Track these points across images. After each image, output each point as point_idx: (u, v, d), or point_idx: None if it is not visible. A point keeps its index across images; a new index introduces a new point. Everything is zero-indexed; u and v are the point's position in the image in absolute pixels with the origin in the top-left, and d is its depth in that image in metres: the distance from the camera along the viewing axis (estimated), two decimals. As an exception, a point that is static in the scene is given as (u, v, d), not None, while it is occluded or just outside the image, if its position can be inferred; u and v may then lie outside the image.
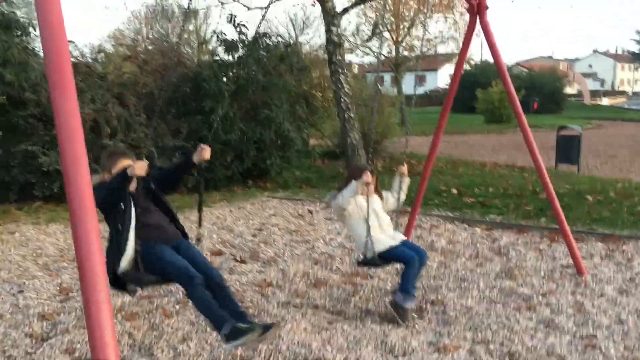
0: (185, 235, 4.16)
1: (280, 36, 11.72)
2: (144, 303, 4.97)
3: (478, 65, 44.21)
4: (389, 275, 5.67)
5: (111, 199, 3.72)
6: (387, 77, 38.83)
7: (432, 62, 47.60)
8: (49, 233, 7.42)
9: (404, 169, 4.97)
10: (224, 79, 10.38)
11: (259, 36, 11.36)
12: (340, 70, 11.90)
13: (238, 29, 11.04)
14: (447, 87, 46.02)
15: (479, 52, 69.84)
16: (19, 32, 10.03)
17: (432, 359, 3.86)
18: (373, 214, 4.67)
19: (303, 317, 4.61)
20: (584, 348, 3.99)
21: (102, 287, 1.73)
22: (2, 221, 7.90)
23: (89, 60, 10.97)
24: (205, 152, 4.06)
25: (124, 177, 3.64)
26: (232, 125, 10.55)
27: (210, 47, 11.84)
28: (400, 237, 4.79)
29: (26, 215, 8.42)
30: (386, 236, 4.69)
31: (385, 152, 14.39)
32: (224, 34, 11.19)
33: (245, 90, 10.67)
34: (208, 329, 4.37)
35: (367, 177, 4.53)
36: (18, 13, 10.39)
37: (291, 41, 13.06)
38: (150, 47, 11.93)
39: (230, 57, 11.33)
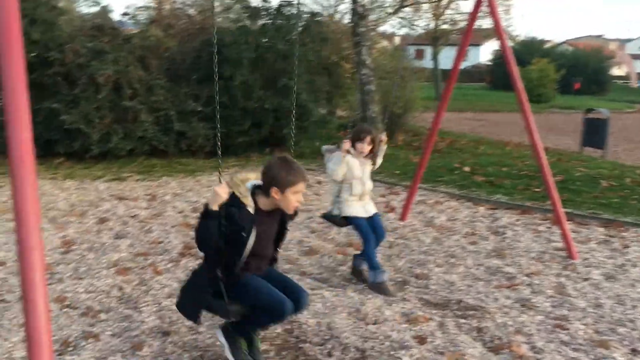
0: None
1: (304, 4, 11.66)
2: (139, 260, 5.20)
3: (522, 42, 43.14)
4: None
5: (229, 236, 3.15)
6: (429, 51, 38.20)
7: (475, 36, 46.46)
8: (64, 188, 7.73)
9: (383, 136, 5.08)
10: (244, 46, 10.45)
11: (283, 4, 11.38)
12: (362, 42, 11.86)
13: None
14: (489, 63, 45.23)
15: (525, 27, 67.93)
16: (47, -8, 10.28)
17: (401, 329, 3.97)
18: (359, 182, 4.83)
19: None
20: (552, 328, 4.04)
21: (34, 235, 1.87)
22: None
23: (115, 21, 11.17)
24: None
25: (208, 212, 3.10)
26: (251, 93, 10.66)
27: (233, 14, 11.85)
28: (372, 210, 4.91)
29: (46, 171, 8.76)
30: (361, 206, 4.84)
31: (407, 126, 14.35)
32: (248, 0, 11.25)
33: (265, 59, 10.73)
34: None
35: (345, 144, 4.69)
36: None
37: (314, 11, 12.94)
38: (175, 11, 12.03)
39: (253, 25, 11.40)
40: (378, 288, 4.66)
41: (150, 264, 5.09)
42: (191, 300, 3.34)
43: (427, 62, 38.05)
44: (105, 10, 11.12)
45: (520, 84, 5.55)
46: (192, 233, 5.75)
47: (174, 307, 4.19)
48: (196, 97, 10.63)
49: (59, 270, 4.89)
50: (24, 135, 1.91)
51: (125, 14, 11.51)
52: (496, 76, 40.13)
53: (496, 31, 5.67)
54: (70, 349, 3.58)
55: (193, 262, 5.14)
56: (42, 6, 9.83)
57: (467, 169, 9.77)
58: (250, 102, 10.62)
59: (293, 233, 6.16)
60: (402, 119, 13.90)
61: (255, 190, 3.28)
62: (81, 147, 9.42)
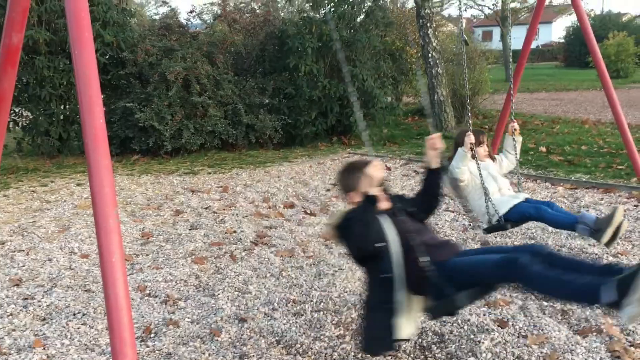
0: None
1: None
2: (214, 249, 5.30)
3: (597, 16, 41.07)
4: (454, 232, 5.61)
5: (368, 233, 2.85)
6: (497, 32, 37.04)
7: (546, 14, 44.61)
8: (140, 183, 8.00)
9: (516, 125, 4.63)
10: (308, 36, 10.44)
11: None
12: (428, 25, 11.60)
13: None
14: (561, 40, 43.29)
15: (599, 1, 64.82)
16: (118, -6, 10.65)
17: (480, 313, 3.83)
18: (490, 178, 4.40)
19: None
20: (645, 310, 3.78)
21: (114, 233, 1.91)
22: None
23: (182, 21, 11.43)
24: (434, 141, 3.32)
25: (370, 199, 2.91)
26: (316, 82, 10.66)
27: (296, 5, 11.89)
28: (522, 196, 4.41)
29: (123, 167, 9.10)
30: (508, 197, 4.38)
31: (477, 109, 13.95)
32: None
33: (329, 47, 10.69)
34: (268, 275, 4.62)
35: (470, 138, 4.24)
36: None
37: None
38: (239, 6, 12.18)
39: (317, 14, 11.37)
40: (603, 225, 3.88)
41: (225, 253, 5.17)
42: (376, 340, 2.99)
43: (495, 44, 36.88)
44: (173, 11, 11.40)
45: (600, 58, 5.24)
46: (264, 222, 5.80)
47: (249, 294, 4.27)
48: (262, 89, 10.74)
49: (139, 261, 5.05)
50: (97, 122, 1.93)
51: (191, 12, 11.76)
52: (569, 54, 38.41)
53: (573, 5, 5.36)
54: (152, 335, 3.68)
55: (266, 250, 5.18)
56: (113, 9, 10.19)
57: (543, 149, 9.38)
58: (316, 91, 10.62)
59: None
60: (471, 102, 13.51)
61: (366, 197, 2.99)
62: (155, 143, 9.72)
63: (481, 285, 2.87)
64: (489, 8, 28.50)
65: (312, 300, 4.11)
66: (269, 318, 3.88)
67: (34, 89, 9.62)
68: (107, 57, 10.11)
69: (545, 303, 3.95)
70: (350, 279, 4.45)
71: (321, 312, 3.93)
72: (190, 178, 8.38)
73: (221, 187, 7.77)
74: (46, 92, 9.59)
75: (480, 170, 4.23)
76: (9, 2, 2.29)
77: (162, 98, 9.71)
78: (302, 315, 3.90)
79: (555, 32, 53.02)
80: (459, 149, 4.35)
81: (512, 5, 29.32)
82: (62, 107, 10.14)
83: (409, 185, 7.61)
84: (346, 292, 4.23)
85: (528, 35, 5.74)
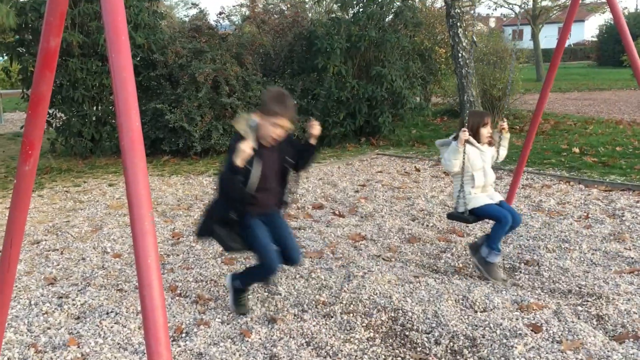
0: (284, 205, 4.00)
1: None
2: (243, 249, 5.31)
3: (631, 15, 40.18)
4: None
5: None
6: (527, 31, 36.52)
7: (578, 12, 43.71)
8: (170, 184, 8.09)
9: (504, 124, 4.78)
10: (336, 36, 10.43)
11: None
12: (458, 24, 11.48)
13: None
14: (594, 39, 42.43)
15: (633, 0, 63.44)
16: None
17: (512, 317, 3.77)
18: (481, 172, 4.53)
19: (390, 270, 4.68)
20: (685, 317, 3.68)
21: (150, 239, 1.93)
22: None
23: (212, 22, 11.53)
24: (314, 127, 3.79)
25: (233, 169, 3.45)
26: (345, 83, 10.64)
27: (325, 5, 11.91)
28: (498, 198, 4.63)
29: (154, 168, 9.21)
30: (486, 195, 4.55)
31: (508, 109, 13.75)
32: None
33: (358, 47, 10.66)
34: (297, 276, 4.62)
35: (464, 134, 4.36)
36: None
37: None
38: (268, 7, 12.24)
39: (345, 15, 11.36)
40: (486, 266, 4.44)
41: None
42: (203, 221, 3.83)
43: (526, 43, 36.36)
44: (202, 12, 11.51)
45: (636, 57, 5.09)
46: (293, 223, 5.81)
47: (279, 295, 4.28)
48: (291, 90, 10.74)
49: (170, 260, 5.10)
50: (134, 125, 1.95)
51: (220, 14, 11.84)
52: (603, 53, 37.68)
53: (608, 3, 5.22)
54: (184, 335, 3.71)
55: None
56: (144, 11, 10.32)
57: (576, 150, 9.21)
58: (344, 92, 10.60)
59: (393, 221, 6.08)
60: (502, 102, 13.33)
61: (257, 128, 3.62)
62: (185, 144, 9.82)
63: (247, 247, 3.82)
64: (519, 6, 28.16)
65: (341, 302, 4.09)
66: (299, 319, 3.88)
67: (67, 91, 9.81)
68: (139, 58, 10.24)
69: (580, 308, 3.87)
70: (380, 282, 4.42)
71: (351, 314, 3.91)
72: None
73: (250, 187, 7.80)
74: (79, 94, 9.76)
75: (464, 161, 4.42)
76: (47, 6, 2.33)
77: (191, 99, 9.80)
78: (332, 317, 3.89)
79: (587, 30, 52.08)
80: (453, 143, 4.47)
81: (544, 3, 28.84)
82: (94, 108, 10.31)
83: (438, 186, 7.54)
84: (376, 294, 4.20)
85: (562, 35, 5.61)
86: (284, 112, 3.54)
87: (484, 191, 4.60)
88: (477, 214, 4.55)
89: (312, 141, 3.86)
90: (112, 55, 1.98)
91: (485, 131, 4.57)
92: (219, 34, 11.07)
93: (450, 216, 4.70)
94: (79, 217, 6.49)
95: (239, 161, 3.41)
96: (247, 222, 3.72)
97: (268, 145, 3.66)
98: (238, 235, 3.75)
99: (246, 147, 3.40)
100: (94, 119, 10.25)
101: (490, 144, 4.68)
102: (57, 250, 5.39)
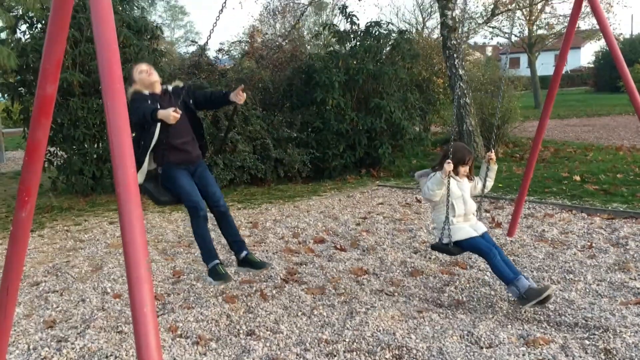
0: (204, 154, 4.68)
1: (392, 24, 11.62)
2: (244, 287, 5.27)
3: (626, 40, 40.60)
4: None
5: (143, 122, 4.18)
6: (524, 59, 36.84)
7: (574, 39, 44.15)
8: (171, 221, 8.06)
9: (492, 154, 4.85)
10: (335, 70, 10.53)
11: (371, 25, 11.39)
12: (455, 55, 11.60)
13: (349, 20, 11.16)
14: (591, 65, 42.80)
15: (628, 25, 64.24)
16: (149, 36, 10.92)
17: (519, 353, 3.71)
18: (461, 200, 4.60)
19: (393, 305, 4.62)
20: (694, 349, 3.62)
21: (142, 265, 1.90)
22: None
23: (211, 58, 11.66)
24: (240, 96, 4.41)
25: (154, 119, 4.08)
26: (344, 115, 10.70)
27: (322, 40, 12.06)
28: (481, 229, 4.65)
29: (154, 205, 9.17)
30: (469, 226, 4.59)
31: (507, 138, 13.81)
32: (336, 25, 11.36)
33: (356, 80, 10.75)
34: (299, 313, 4.56)
35: (449, 165, 4.43)
36: (148, 18, 11.30)
37: (404, 28, 12.84)
38: (266, 42, 12.39)
39: (342, 48, 11.49)
40: (530, 294, 4.23)
41: (256, 291, 5.14)
42: None
43: (522, 70, 36.66)
44: (201, 48, 11.65)
45: (631, 83, 5.14)
46: (294, 258, 5.77)
47: (281, 334, 4.21)
48: (290, 124, 10.81)
49: (170, 300, 5.04)
50: (130, 172, 1.94)
51: (219, 50, 11.99)
52: (600, 79, 37.99)
53: (602, 30, 5.28)
54: (184, 378, 3.64)
55: (297, 288, 5.13)
56: (144, 49, 10.44)
57: (577, 177, 9.20)
58: (344, 124, 10.65)
59: (396, 254, 6.03)
60: (502, 131, 13.39)
61: None
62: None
63: (176, 199, 4.40)
64: (515, 35, 28.39)
65: (344, 340, 4.03)
66: (301, 359, 3.82)
67: (68, 129, 9.85)
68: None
69: (587, 342, 3.81)
70: (383, 318, 4.36)
71: (354, 352, 3.85)
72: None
73: (251, 222, 7.78)
74: (80, 132, 9.81)
75: (449, 194, 4.46)
76: (43, 54, 2.35)
77: (192, 135, 9.82)
78: (335, 355, 3.83)
79: (583, 57, 52.59)
80: (437, 174, 4.52)
81: (539, 32, 29.19)
82: (95, 146, 10.35)
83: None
84: (379, 331, 4.14)
85: (559, 62, 5.68)
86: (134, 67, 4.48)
87: (466, 220, 4.63)
88: (462, 247, 4.57)
89: (232, 98, 4.43)
90: (107, 103, 1.99)
91: (463, 170, 4.65)
92: (218, 70, 11.19)
93: (434, 247, 4.72)
94: (79, 257, 6.45)
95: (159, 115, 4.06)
96: (171, 172, 4.26)
97: (156, 92, 4.38)
98: (165, 189, 4.31)
99: (175, 116, 4.09)
100: (94, 156, 10.28)
101: (468, 178, 4.74)
102: (57, 291, 5.34)
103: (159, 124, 4.17)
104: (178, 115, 4.05)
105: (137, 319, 1.95)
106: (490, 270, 4.72)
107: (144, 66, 4.44)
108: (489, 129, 12.68)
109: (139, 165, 4.15)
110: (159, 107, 4.19)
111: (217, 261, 4.55)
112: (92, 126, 9.97)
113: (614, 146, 13.43)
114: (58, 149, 10.34)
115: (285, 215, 8.13)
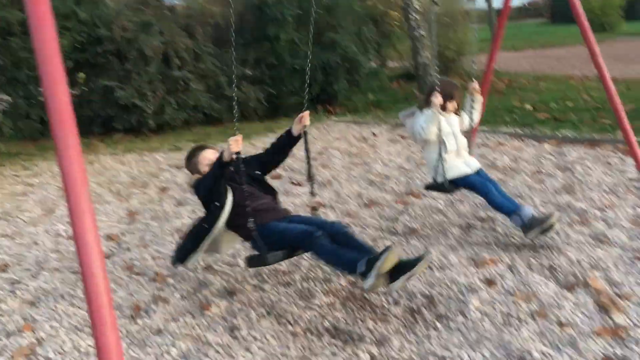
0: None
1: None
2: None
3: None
4: (441, 194, 5.59)
5: (215, 187, 3.62)
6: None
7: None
8: (124, 162, 7.92)
9: (475, 85, 4.65)
10: (287, 3, 10.26)
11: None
12: (409, -14, 11.41)
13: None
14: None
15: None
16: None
17: (468, 273, 3.85)
18: (452, 137, 4.46)
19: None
20: (631, 260, 3.82)
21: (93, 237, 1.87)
22: (84, 153, 8.48)
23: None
24: (304, 119, 3.85)
25: (221, 163, 3.56)
26: (298, 51, 10.51)
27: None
28: (475, 166, 4.52)
29: (106, 147, 8.99)
30: (462, 162, 4.48)
31: (462, 70, 13.84)
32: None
33: (310, 14, 10.51)
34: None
35: (438, 98, 4.23)
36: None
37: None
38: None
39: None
40: (535, 223, 4.07)
41: (213, 228, 5.13)
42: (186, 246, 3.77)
43: (479, 3, 36.42)
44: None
45: (581, 11, 5.16)
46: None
47: (238, 267, 4.26)
48: (243, 61, 10.58)
49: (126, 240, 5.01)
50: (63, 99, 1.87)
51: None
52: (556, 10, 38.15)
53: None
54: (142, 312, 3.66)
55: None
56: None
57: (528, 107, 9.36)
58: (298, 60, 10.48)
59: (351, 186, 6.09)
60: (456, 63, 13.41)
61: None
62: (138, 121, 9.59)
63: (287, 248, 3.49)
64: (470, -33, 28.13)
65: (301, 270, 4.11)
66: (259, 290, 3.88)
67: (11, 72, 9.42)
68: (83, 34, 9.87)
69: (533, 260, 3.97)
70: (338, 247, 4.43)
71: (310, 281, 3.93)
72: (174, 154, 8.29)
73: (207, 161, 7.70)
74: (23, 74, 9.39)
75: (440, 130, 4.27)
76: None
77: (141, 74, 9.54)
78: (292, 285, 3.90)
79: (539, -12, 52.48)
80: (428, 110, 4.33)
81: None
82: (40, 89, 9.94)
83: (395, 150, 7.58)
84: (335, 259, 4.21)
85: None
86: (198, 151, 4.06)
87: (459, 156, 4.50)
88: (457, 184, 4.44)
89: (296, 132, 3.89)
90: (32, 29, 1.89)
91: (451, 105, 4.50)
92: (165, 5, 10.76)
93: (429, 187, 4.59)
94: (30, 201, 6.31)
95: (226, 154, 3.53)
96: (265, 231, 3.53)
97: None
98: (269, 250, 3.46)
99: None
100: (40, 99, 9.89)
101: (455, 113, 4.62)
102: (8, 235, 5.23)
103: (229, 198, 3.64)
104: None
105: (81, 251, 1.93)
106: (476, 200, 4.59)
107: (211, 155, 3.91)
108: (444, 61, 12.68)
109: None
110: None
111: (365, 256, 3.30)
112: (35, 67, 9.55)
113: (565, 76, 13.65)
114: (2, 92, 9.89)
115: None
